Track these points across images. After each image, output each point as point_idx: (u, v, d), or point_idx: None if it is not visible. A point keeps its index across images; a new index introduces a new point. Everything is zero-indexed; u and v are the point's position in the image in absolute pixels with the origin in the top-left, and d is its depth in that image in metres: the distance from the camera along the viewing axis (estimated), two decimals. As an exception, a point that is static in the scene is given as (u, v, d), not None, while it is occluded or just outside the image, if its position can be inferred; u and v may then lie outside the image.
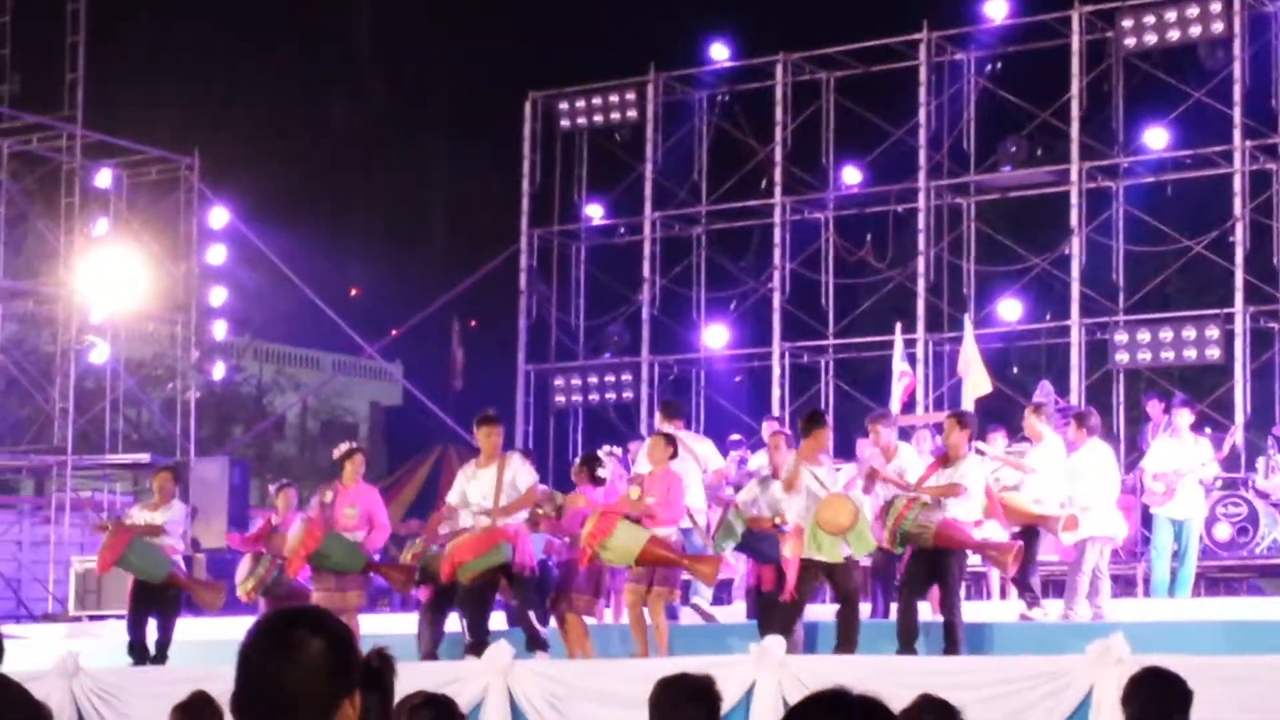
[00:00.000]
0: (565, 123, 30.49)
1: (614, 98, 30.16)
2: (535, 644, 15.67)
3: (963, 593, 15.71)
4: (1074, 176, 26.60)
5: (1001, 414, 21.45)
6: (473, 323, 42.69)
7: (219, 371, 34.74)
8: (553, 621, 16.27)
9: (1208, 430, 21.16)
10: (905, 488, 15.24)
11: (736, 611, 18.57)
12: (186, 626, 19.03)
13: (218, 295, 31.68)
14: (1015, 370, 30.06)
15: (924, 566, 14.83)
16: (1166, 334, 25.28)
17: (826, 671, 12.67)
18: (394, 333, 36.21)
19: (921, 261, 27.70)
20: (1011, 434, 19.54)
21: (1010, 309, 27.92)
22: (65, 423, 28.40)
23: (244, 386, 46.16)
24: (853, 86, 29.05)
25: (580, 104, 30.32)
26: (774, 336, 28.73)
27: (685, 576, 16.76)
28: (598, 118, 30.25)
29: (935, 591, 15.30)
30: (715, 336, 29.77)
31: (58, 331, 29.55)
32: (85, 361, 29.96)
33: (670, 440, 16.33)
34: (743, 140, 29.64)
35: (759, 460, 17.25)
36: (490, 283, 33.05)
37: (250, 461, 33.29)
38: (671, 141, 30.12)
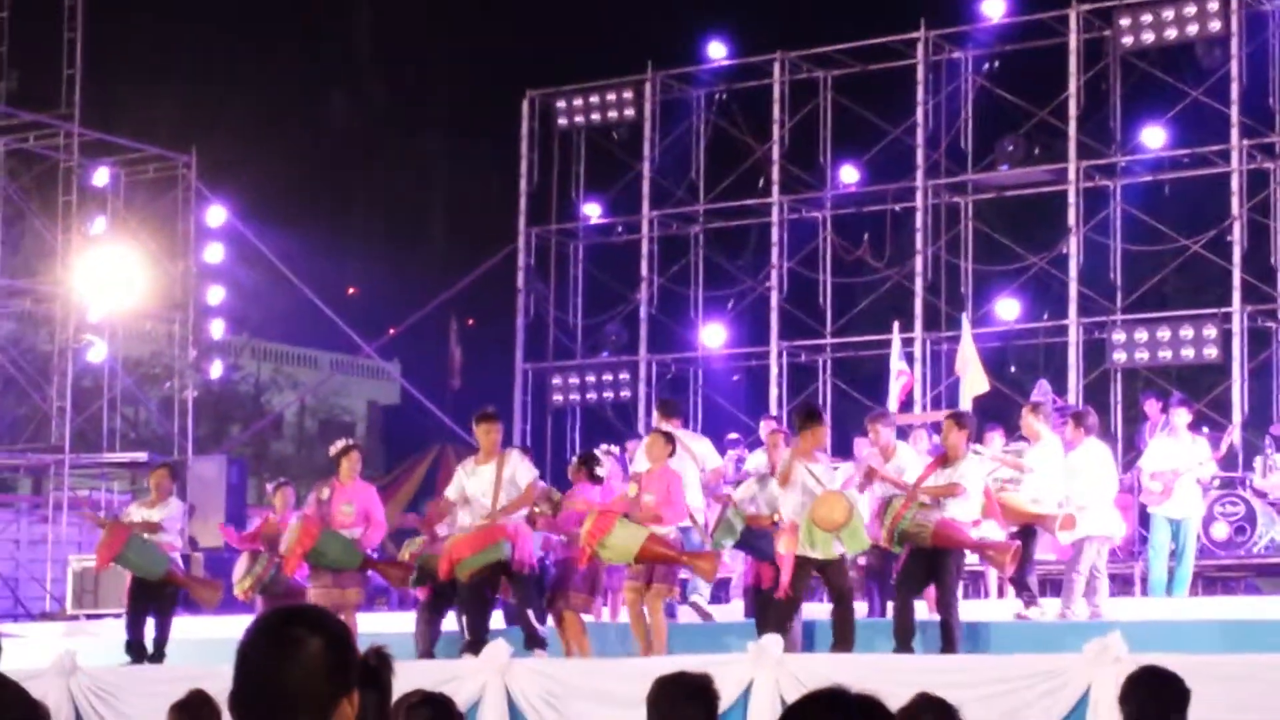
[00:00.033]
0: (563, 121, 30.49)
1: (611, 96, 30.16)
2: (534, 642, 15.67)
3: (960, 592, 15.71)
4: (1071, 175, 26.61)
5: (999, 413, 21.44)
6: (470, 322, 42.66)
7: (216, 370, 34.74)
8: (550, 620, 16.26)
9: (1205, 429, 21.16)
10: (903, 487, 15.24)
11: (734, 610, 18.57)
12: (184, 625, 19.03)
13: (215, 294, 31.69)
14: (1013, 369, 30.09)
15: (922, 566, 14.83)
16: (1164, 333, 25.28)
17: (824, 670, 12.68)
18: (392, 332, 36.22)
19: (919, 260, 27.70)
20: (1009, 433, 19.55)
21: (1008, 308, 27.93)
22: (63, 421, 28.39)
23: (242, 385, 46.13)
24: (850, 85, 29.06)
25: (578, 102, 30.31)
26: (772, 335, 28.73)
27: (683, 575, 16.77)
28: (595, 116, 30.25)
29: (932, 590, 15.31)
30: (713, 335, 29.77)
31: (55, 330, 29.53)
32: (83, 360, 29.96)
33: (669, 438, 16.33)
34: (740, 139, 29.64)
35: (757, 460, 17.24)
36: (488, 281, 33.07)
37: (248, 460, 33.31)
38: (669, 140, 30.12)
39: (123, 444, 30.66)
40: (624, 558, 15.33)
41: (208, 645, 17.22)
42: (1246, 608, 18.18)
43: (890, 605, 16.20)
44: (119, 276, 28.96)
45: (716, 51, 29.93)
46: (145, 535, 17.52)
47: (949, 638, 14.51)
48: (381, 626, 18.68)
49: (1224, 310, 25.39)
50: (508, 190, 31.85)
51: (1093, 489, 16.23)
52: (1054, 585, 17.03)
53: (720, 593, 20.57)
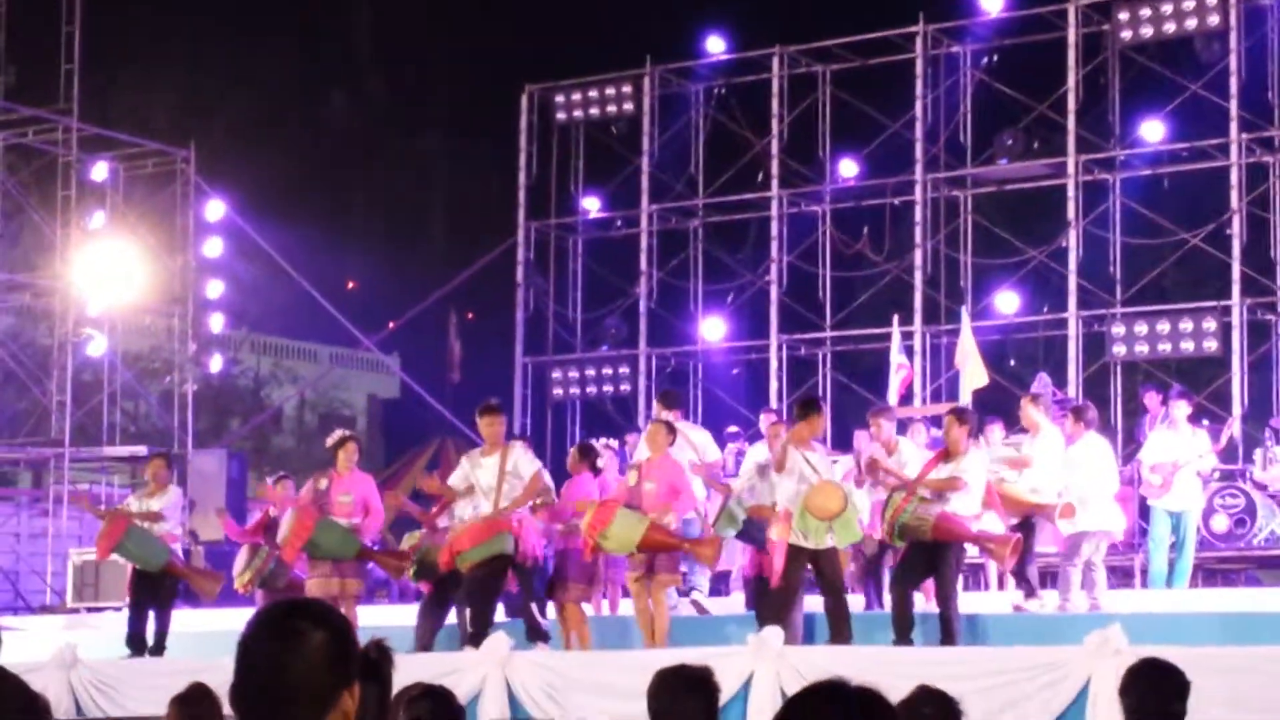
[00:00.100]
0: (561, 115, 30.47)
1: (610, 90, 30.15)
2: (536, 635, 15.67)
3: (960, 585, 15.71)
4: (1070, 169, 26.61)
5: (999, 406, 21.45)
6: (470, 315, 42.71)
7: (216, 364, 34.77)
8: (551, 611, 16.26)
9: (1205, 422, 21.15)
10: (905, 481, 15.25)
11: (735, 603, 18.58)
12: (185, 618, 19.04)
13: (214, 288, 31.71)
14: (1012, 362, 30.11)
15: (922, 559, 14.82)
16: (1164, 326, 25.29)
17: (824, 662, 12.69)
18: (391, 325, 36.22)
19: (918, 254, 27.70)
20: (1009, 426, 19.55)
21: (1007, 301, 27.94)
22: (63, 415, 28.40)
23: (241, 379, 46.12)
24: (849, 79, 29.05)
25: (576, 97, 30.30)
26: (771, 329, 28.73)
27: (681, 568, 16.77)
28: (594, 110, 30.24)
29: (929, 583, 15.32)
30: (712, 329, 29.77)
31: (55, 324, 29.54)
32: (82, 354, 29.98)
33: (670, 428, 16.36)
34: (739, 133, 29.64)
35: (759, 452, 17.23)
36: (487, 275, 33.07)
37: (248, 454, 33.33)
38: (668, 134, 30.11)
39: (123, 438, 30.68)
40: (626, 548, 15.35)
41: (209, 638, 17.22)
42: (1247, 600, 18.19)
43: (885, 598, 16.25)
44: (118, 271, 28.97)
45: (715, 46, 29.92)
46: (145, 525, 17.51)
47: (948, 631, 14.51)
48: (382, 619, 18.69)
49: (1223, 303, 25.40)
50: (507, 185, 31.86)
51: (1092, 484, 16.24)
52: (1054, 578, 17.03)
53: (721, 585, 20.58)
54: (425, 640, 16.07)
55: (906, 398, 23.97)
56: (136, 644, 17.41)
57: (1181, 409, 19.09)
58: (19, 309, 32.40)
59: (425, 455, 33.94)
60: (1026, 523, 16.56)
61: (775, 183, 28.91)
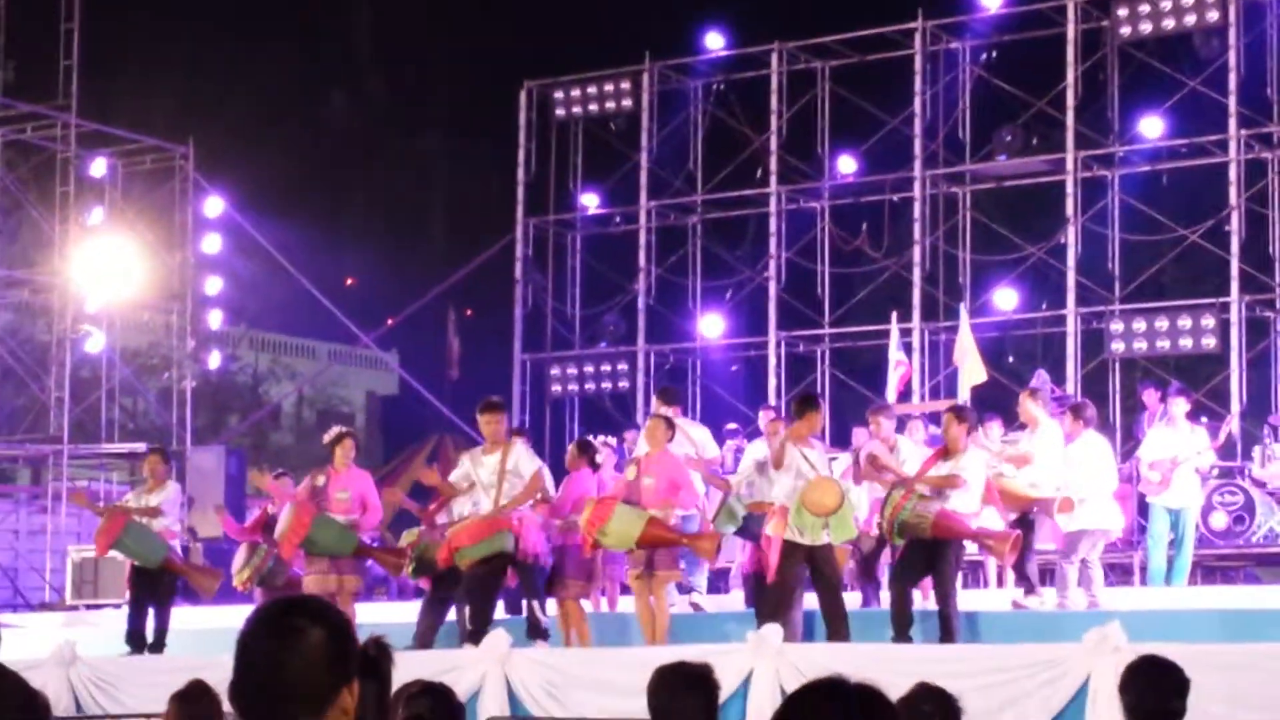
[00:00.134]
0: (560, 112, 30.47)
1: (609, 87, 30.14)
2: (536, 633, 15.66)
3: (959, 583, 15.71)
4: (1069, 165, 26.61)
5: (997, 403, 21.45)
6: (468, 312, 42.73)
7: (214, 361, 34.77)
8: (551, 606, 16.26)
9: (1204, 419, 21.16)
10: (904, 478, 15.25)
11: (734, 600, 18.58)
12: (184, 615, 19.02)
13: (213, 284, 31.69)
14: (1011, 359, 30.10)
15: (921, 556, 14.82)
16: (1162, 323, 25.29)
17: (824, 660, 12.69)
18: (390, 322, 36.24)
19: (917, 250, 27.70)
20: (1008, 423, 19.55)
21: (1006, 298, 27.94)
22: (61, 412, 28.38)
23: (240, 376, 46.14)
24: (848, 75, 29.04)
25: (575, 93, 30.29)
26: (770, 326, 28.74)
27: (680, 565, 16.77)
28: (593, 107, 30.23)
29: (927, 580, 15.32)
30: (711, 326, 29.77)
31: (53, 320, 29.53)
32: (81, 350, 29.97)
33: (670, 423, 16.37)
34: (738, 129, 29.64)
35: (757, 449, 17.23)
36: (486, 272, 33.09)
37: (246, 451, 33.31)
38: (666, 131, 30.10)
39: (121, 434, 30.67)
40: (625, 544, 15.35)
41: (208, 635, 17.21)
42: (1245, 597, 18.19)
43: (881, 595, 16.25)
44: (117, 267, 28.96)
45: (714, 42, 29.91)
46: (144, 521, 17.50)
47: (948, 628, 14.51)
48: (381, 616, 18.68)
49: (1222, 300, 25.40)
50: (505, 181, 31.86)
51: (1091, 482, 16.24)
52: (1054, 575, 17.03)
53: (720, 583, 20.58)
54: (426, 638, 16.06)
55: (905, 394, 23.96)
56: (136, 641, 17.40)
57: (1180, 406, 19.08)
58: (17, 305, 32.40)
59: (423, 452, 33.95)
60: (1026, 520, 16.56)
61: (774, 179, 28.91)
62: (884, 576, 16.74)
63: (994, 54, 28.14)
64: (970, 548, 16.50)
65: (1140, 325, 25.43)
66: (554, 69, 30.91)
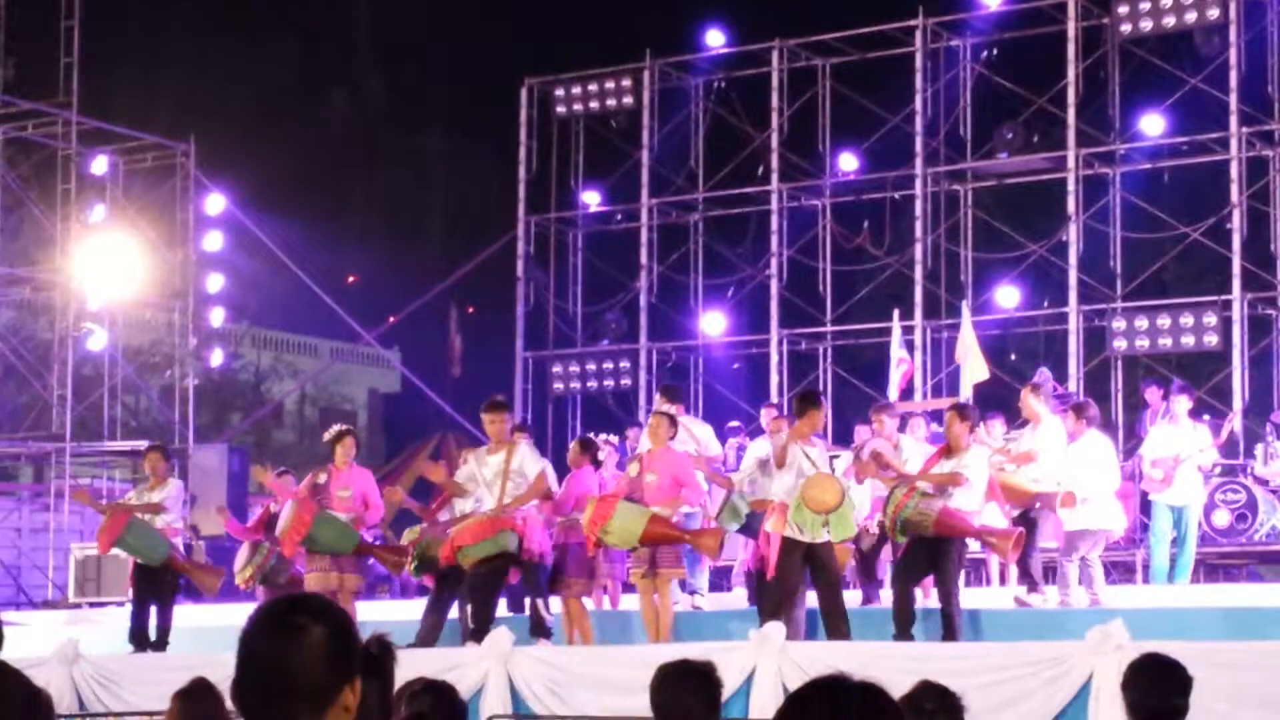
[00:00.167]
0: (561, 109, 30.47)
1: (610, 84, 30.15)
2: (540, 631, 15.66)
3: (961, 581, 15.71)
4: (1071, 163, 26.60)
5: (999, 401, 21.45)
6: (470, 309, 42.73)
7: (217, 359, 34.73)
8: (555, 603, 16.26)
9: (1206, 417, 21.16)
10: (906, 476, 15.25)
11: (736, 598, 18.58)
12: (186, 613, 19.03)
13: (215, 282, 31.68)
14: (1013, 357, 30.08)
15: (923, 554, 14.82)
16: (1164, 321, 25.29)
17: (826, 658, 12.68)
18: (392, 320, 36.21)
19: (919, 248, 27.70)
20: (1010, 421, 19.55)
21: (1008, 296, 27.93)
22: (63, 410, 28.39)
23: (242, 374, 46.12)
24: (849, 73, 29.04)
25: (576, 91, 30.29)
26: (772, 323, 28.74)
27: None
28: (594, 104, 30.24)
29: (928, 578, 15.32)
30: (713, 323, 29.77)
31: (55, 318, 29.53)
32: (83, 348, 29.96)
33: (672, 420, 16.37)
34: (739, 127, 29.63)
35: (760, 447, 17.24)
36: (488, 270, 33.08)
37: (249, 449, 33.31)
38: (668, 128, 30.11)
39: (123, 432, 30.64)
40: (628, 542, 15.36)
41: (210, 633, 17.22)
42: (1248, 595, 18.20)
43: (882, 593, 16.25)
44: (118, 264, 28.95)
45: (715, 40, 29.91)
46: (146, 518, 17.50)
47: (950, 626, 14.51)
48: (383, 614, 18.69)
49: (1224, 298, 25.40)
50: (507, 179, 31.86)
51: (1093, 481, 16.23)
52: (1057, 573, 17.02)
53: (722, 581, 20.58)
54: (429, 636, 16.06)
55: (907, 392, 23.96)
56: (139, 639, 17.41)
57: (1182, 404, 19.08)
58: (19, 303, 32.39)
59: (425, 450, 33.94)
60: (1028, 517, 16.55)
61: (775, 177, 28.91)
62: (885, 574, 16.76)
63: (995, 51, 28.14)
64: (973, 545, 16.50)
65: (1142, 323, 25.43)
66: (555, 66, 30.93)
